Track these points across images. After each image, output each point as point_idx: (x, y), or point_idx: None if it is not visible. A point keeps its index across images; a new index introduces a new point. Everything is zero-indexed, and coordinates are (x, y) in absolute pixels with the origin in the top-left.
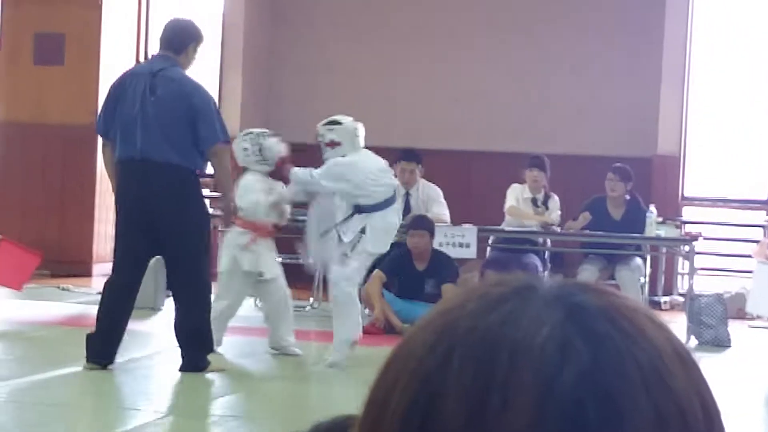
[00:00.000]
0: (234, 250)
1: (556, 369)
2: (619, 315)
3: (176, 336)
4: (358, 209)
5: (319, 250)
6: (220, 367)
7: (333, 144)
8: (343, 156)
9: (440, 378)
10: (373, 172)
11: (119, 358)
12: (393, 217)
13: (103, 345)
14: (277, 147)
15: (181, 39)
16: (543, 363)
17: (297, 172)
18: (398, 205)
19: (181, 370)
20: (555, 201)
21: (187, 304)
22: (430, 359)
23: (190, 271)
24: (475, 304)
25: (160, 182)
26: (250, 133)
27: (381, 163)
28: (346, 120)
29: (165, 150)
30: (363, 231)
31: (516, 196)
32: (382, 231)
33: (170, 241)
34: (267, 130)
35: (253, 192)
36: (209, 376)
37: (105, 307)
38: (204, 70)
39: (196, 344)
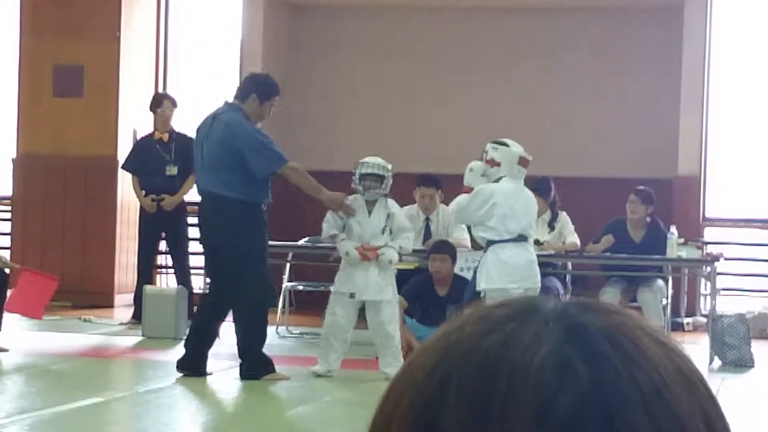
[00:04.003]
0: None
1: (554, 390)
2: (620, 335)
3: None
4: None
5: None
6: (277, 377)
7: (492, 163)
8: (499, 178)
9: (438, 403)
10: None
11: (141, 388)
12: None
13: (193, 357)
14: None
15: (245, 88)
16: (541, 384)
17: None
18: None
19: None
20: (563, 219)
21: (238, 322)
22: (428, 384)
23: (235, 289)
24: (474, 326)
25: (209, 210)
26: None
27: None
28: (514, 145)
29: (214, 183)
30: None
31: None
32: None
33: (219, 261)
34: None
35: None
36: (232, 404)
37: (196, 323)
38: (223, 96)
39: (245, 357)
